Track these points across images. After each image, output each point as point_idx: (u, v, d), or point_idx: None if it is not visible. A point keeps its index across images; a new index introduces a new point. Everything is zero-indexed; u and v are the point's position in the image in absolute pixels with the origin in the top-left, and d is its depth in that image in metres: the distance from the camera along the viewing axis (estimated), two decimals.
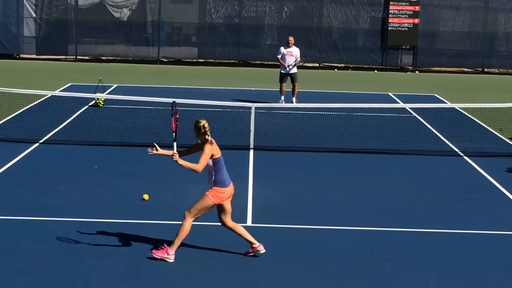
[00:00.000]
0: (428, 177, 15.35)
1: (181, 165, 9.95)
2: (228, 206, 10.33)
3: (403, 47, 36.49)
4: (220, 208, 10.32)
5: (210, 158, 10.07)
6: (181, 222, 10.13)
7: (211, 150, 10.06)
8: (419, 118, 21.70)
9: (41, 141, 17.31)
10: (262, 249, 10.40)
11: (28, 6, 35.71)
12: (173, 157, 10.02)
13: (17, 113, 20.50)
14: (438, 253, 10.84)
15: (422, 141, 18.56)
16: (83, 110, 21.34)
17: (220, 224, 10.45)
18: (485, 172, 15.74)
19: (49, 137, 17.78)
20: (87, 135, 17.91)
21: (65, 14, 36.13)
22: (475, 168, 16.12)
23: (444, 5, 36.64)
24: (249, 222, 12.02)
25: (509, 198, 13.90)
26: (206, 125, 10.12)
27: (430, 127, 20.49)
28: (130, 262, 10.08)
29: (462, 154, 17.37)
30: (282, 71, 23.31)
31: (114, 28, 36.53)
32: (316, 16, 36.20)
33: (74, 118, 20.27)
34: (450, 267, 10.33)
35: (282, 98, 23.25)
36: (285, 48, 23.31)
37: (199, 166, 9.98)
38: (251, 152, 16.87)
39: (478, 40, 36.63)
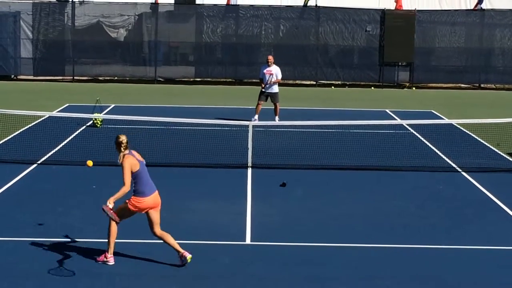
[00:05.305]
0: (426, 193, 15.35)
1: (114, 201, 10.32)
2: (154, 216, 10.59)
3: (400, 63, 36.59)
4: (148, 218, 10.60)
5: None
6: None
7: (130, 165, 10.45)
8: (417, 135, 21.72)
9: (39, 162, 17.31)
10: (187, 254, 10.53)
11: (25, 27, 35.76)
12: (106, 206, 10.30)
13: (14, 134, 20.50)
14: (437, 269, 10.82)
15: (420, 157, 18.58)
16: (81, 131, 21.35)
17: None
18: (483, 187, 15.74)
19: (47, 158, 17.77)
20: (85, 155, 17.85)
21: (62, 35, 36.18)
22: (473, 184, 16.12)
23: (440, 21, 36.71)
24: (248, 240, 12.01)
25: (508, 213, 13.90)
26: (125, 141, 10.73)
27: (428, 143, 20.50)
28: (129, 283, 10.06)
29: (460, 170, 17.38)
30: (263, 89, 23.20)
31: (111, 49, 36.59)
32: (312, 34, 36.30)
33: (72, 138, 20.27)
34: (448, 282, 10.32)
35: (256, 116, 22.91)
36: (265, 68, 23.31)
37: (125, 186, 10.38)
38: (249, 170, 16.87)
39: (474, 56, 36.70)
